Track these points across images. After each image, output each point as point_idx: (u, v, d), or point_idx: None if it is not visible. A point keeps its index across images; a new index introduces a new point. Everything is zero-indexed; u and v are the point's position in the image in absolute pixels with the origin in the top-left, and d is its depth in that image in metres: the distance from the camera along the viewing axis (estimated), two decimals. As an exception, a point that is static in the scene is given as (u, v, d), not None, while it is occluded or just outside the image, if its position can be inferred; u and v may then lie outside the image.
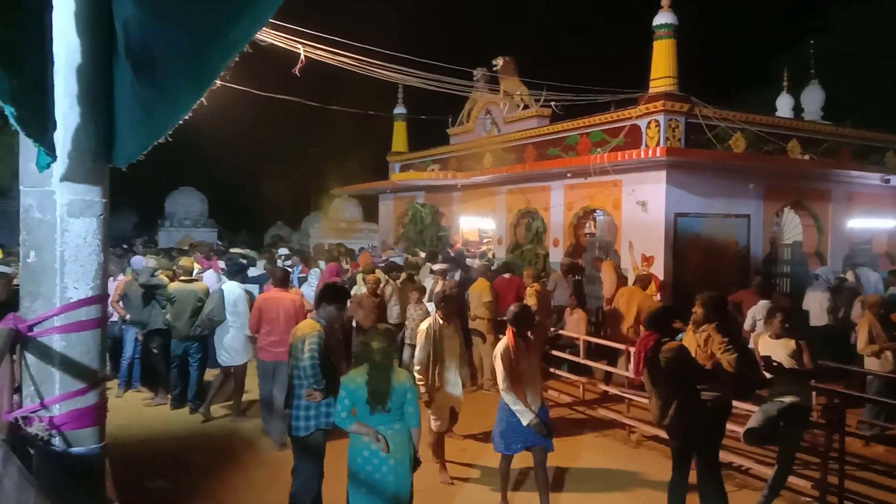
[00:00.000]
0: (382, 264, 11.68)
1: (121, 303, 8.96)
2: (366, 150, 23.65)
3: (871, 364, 7.56)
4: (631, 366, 8.00)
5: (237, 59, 1.59)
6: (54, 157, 1.86)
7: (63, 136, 2.06)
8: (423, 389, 6.10)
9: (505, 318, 5.82)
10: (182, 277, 8.62)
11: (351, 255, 13.71)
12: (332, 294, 5.12)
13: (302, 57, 6.93)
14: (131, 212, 28.58)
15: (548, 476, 5.55)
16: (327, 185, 22.90)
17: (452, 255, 13.41)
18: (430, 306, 9.97)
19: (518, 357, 5.35)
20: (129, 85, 1.86)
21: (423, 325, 6.44)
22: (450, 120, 17.24)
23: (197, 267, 8.99)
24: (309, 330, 4.78)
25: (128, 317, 8.93)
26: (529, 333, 5.50)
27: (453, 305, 6.69)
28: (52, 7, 1.74)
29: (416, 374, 6.13)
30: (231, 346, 8.05)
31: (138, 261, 9.86)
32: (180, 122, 1.81)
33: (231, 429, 7.88)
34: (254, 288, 9.34)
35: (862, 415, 7.55)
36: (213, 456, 6.95)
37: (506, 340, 5.47)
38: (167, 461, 6.77)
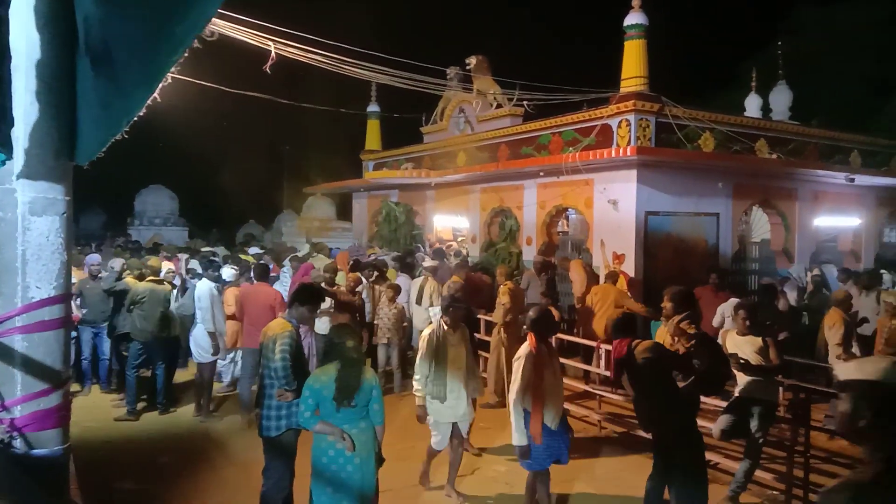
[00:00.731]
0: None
1: (78, 300, 8.84)
2: (339, 148, 23.53)
3: (837, 360, 7.71)
4: (602, 363, 8.12)
5: (189, 54, 1.61)
6: (9, 155, 1.83)
7: (23, 133, 2.03)
8: (418, 402, 5.75)
9: (525, 322, 5.40)
10: (150, 278, 8.53)
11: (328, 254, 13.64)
12: (307, 295, 5.00)
13: (273, 54, 6.88)
14: (100, 210, 28.12)
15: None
16: (300, 183, 22.77)
17: (434, 249, 13.47)
18: (417, 307, 9.99)
19: (541, 365, 4.99)
20: (90, 80, 1.84)
21: (426, 332, 5.89)
22: (423, 118, 17.25)
23: (166, 266, 8.89)
24: (280, 330, 4.73)
25: (81, 314, 8.82)
26: (552, 339, 5.15)
27: (461, 311, 6.03)
28: (7, 2, 1.71)
29: (415, 385, 5.75)
30: (198, 342, 8.11)
31: (93, 258, 9.71)
32: (135, 118, 1.80)
33: (203, 429, 7.80)
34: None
35: (828, 409, 7.70)
36: (183, 457, 6.87)
37: (528, 346, 5.10)
38: (136, 463, 6.68)
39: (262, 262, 10.40)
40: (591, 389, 8.30)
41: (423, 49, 12.95)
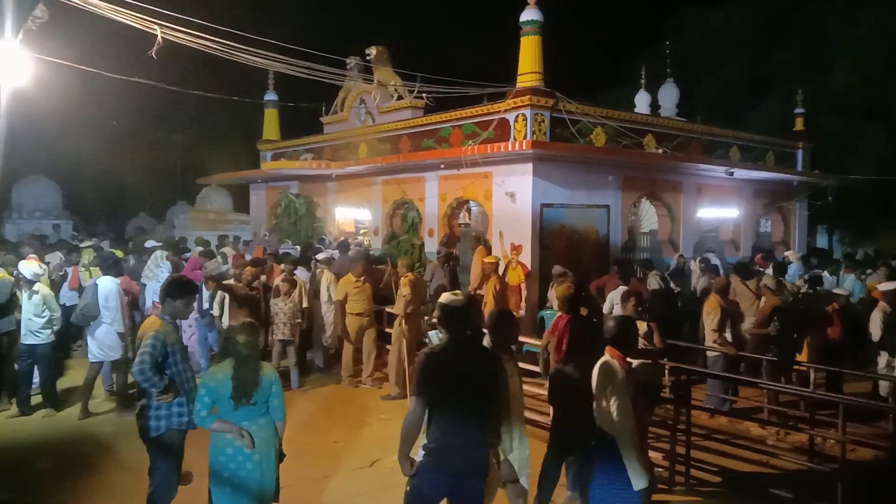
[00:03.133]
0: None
1: None
2: (235, 137, 22.83)
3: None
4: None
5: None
6: None
7: None
8: (504, 466, 4.29)
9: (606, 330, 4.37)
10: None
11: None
12: (178, 289, 4.72)
13: (159, 39, 6.58)
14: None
15: None
16: (194, 174, 21.92)
17: (339, 242, 13.36)
18: (314, 301, 9.86)
19: (632, 389, 4.05)
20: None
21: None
22: (323, 108, 17.00)
23: (32, 263, 8.35)
24: (148, 328, 4.52)
25: None
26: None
27: (512, 329, 4.51)
28: None
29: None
30: (103, 341, 7.82)
31: None
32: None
33: (88, 432, 7.41)
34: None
35: (707, 389, 8.22)
36: (64, 461, 6.52)
37: (615, 363, 4.09)
38: (11, 470, 6.28)
39: (108, 255, 10.08)
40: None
41: (322, 38, 12.78)
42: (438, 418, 3.74)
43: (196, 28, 7.56)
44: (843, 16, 20.87)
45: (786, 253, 13.82)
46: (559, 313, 5.92)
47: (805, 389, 7.22)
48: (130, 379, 8.24)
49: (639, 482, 3.86)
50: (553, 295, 9.42)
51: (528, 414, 7.57)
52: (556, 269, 9.58)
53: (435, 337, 4.49)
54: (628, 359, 4.23)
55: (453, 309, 3.85)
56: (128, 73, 9.46)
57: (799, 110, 17.14)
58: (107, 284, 7.93)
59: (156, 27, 6.55)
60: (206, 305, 9.41)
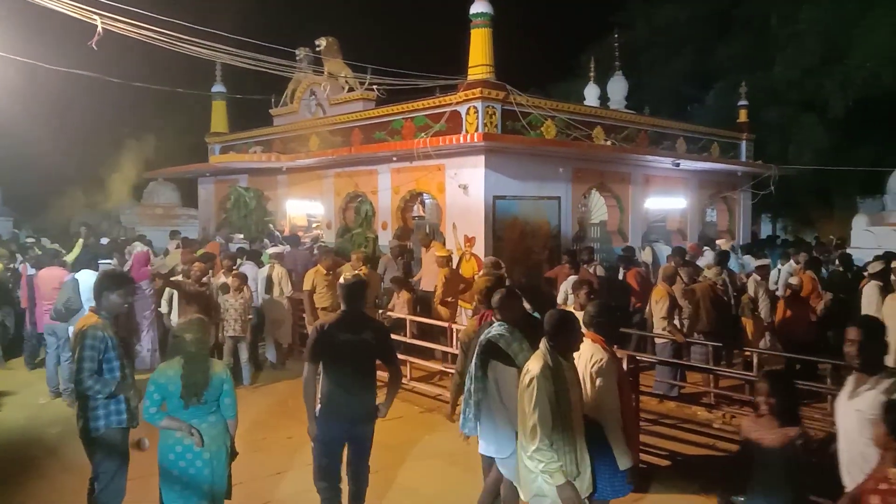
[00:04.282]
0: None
1: None
2: (182, 130, 22.28)
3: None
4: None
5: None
6: None
7: None
8: (557, 481, 3.73)
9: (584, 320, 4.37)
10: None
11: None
12: (112, 282, 4.53)
13: (99, 29, 6.38)
14: None
15: None
16: (141, 167, 21.33)
17: (287, 236, 13.21)
18: (267, 297, 9.72)
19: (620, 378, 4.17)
20: None
21: (535, 370, 3.81)
22: (273, 100, 16.74)
23: None
24: (85, 324, 4.36)
25: None
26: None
27: (574, 333, 4.01)
28: None
29: (541, 463, 3.74)
30: None
31: None
32: None
33: (34, 435, 7.20)
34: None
35: (656, 376, 8.42)
36: (10, 465, 6.33)
37: (602, 351, 4.13)
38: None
39: (49, 247, 9.90)
40: (444, 369, 8.54)
41: (270, 28, 12.59)
42: (328, 378, 4.53)
43: (138, 18, 7.37)
44: (784, 11, 21.53)
45: (717, 241, 14.11)
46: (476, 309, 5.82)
47: (749, 373, 7.45)
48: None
49: (624, 461, 3.99)
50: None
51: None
52: (488, 259, 9.61)
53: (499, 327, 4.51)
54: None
55: (349, 287, 4.61)
56: (65, 64, 9.17)
57: (742, 102, 17.63)
58: (88, 279, 7.69)
59: (95, 17, 6.35)
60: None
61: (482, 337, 4.59)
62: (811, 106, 20.97)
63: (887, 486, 2.79)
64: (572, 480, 3.78)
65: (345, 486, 4.76)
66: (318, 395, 4.56)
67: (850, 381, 3.59)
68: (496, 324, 4.59)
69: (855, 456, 3.37)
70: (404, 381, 9.07)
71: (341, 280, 4.75)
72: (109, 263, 8.84)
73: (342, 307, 4.68)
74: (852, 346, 3.52)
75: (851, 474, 3.37)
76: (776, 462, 3.45)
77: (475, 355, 4.59)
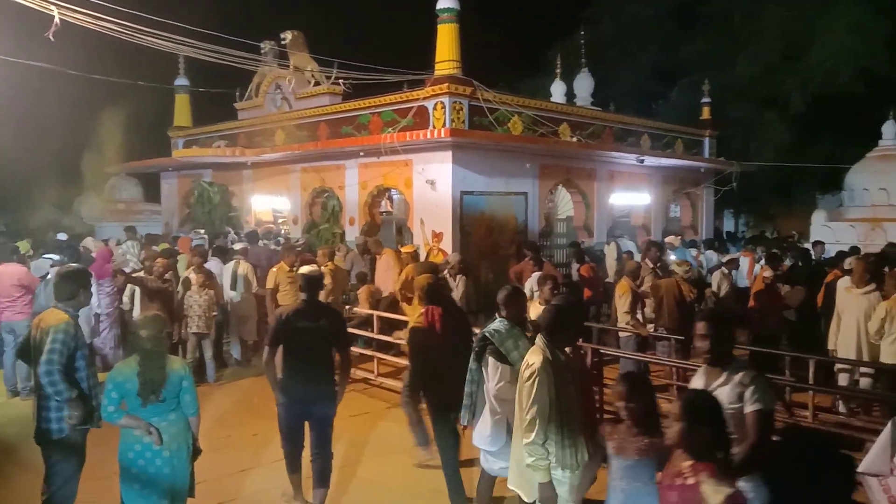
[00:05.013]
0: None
1: None
2: (145, 124, 21.86)
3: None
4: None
5: None
6: None
7: None
8: (541, 478, 3.78)
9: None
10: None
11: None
12: (74, 279, 4.46)
13: (56, 20, 6.23)
14: None
15: None
16: (102, 162, 20.88)
17: (247, 232, 13.05)
18: (232, 293, 9.60)
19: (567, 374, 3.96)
20: None
21: (536, 364, 3.80)
22: (237, 94, 16.54)
23: None
24: (55, 322, 4.25)
25: None
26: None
27: (572, 327, 4.13)
28: None
29: (530, 456, 3.77)
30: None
31: None
32: None
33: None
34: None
35: (620, 369, 8.53)
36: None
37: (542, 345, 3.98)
38: None
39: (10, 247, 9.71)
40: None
41: (235, 21, 12.42)
42: (288, 361, 4.97)
43: (98, 9, 7.20)
44: (746, 9, 21.91)
45: (666, 238, 14.13)
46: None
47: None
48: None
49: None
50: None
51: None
52: (451, 256, 9.64)
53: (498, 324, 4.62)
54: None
55: (309, 277, 5.08)
56: (25, 56, 8.93)
57: (706, 100, 17.92)
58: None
59: (52, 7, 6.20)
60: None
61: (481, 331, 4.74)
62: (773, 103, 21.40)
63: (682, 480, 2.80)
64: (574, 472, 3.82)
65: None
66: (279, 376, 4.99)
67: (702, 375, 3.55)
68: (497, 320, 4.66)
69: None
70: (371, 376, 9.09)
71: (301, 270, 5.19)
72: (53, 259, 8.69)
73: (302, 297, 5.10)
74: (702, 340, 3.45)
75: None
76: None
77: (472, 350, 4.72)
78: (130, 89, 17.19)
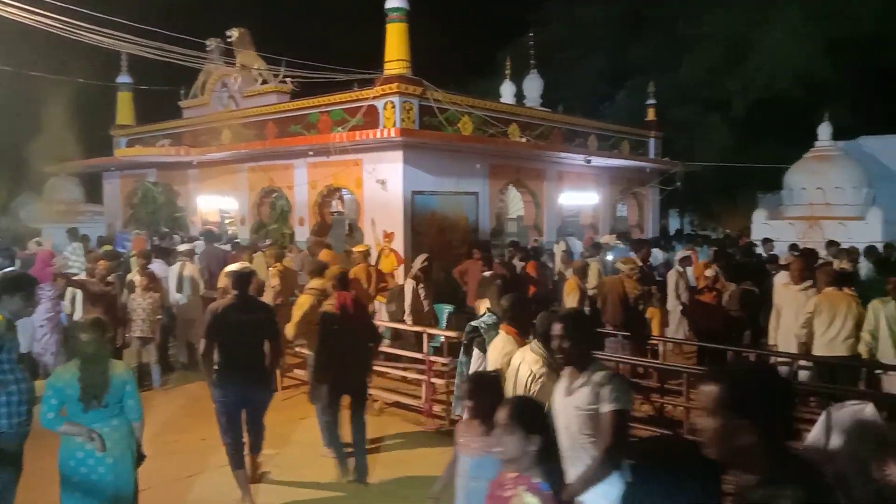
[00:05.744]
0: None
1: None
2: (86, 122, 21.17)
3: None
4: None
5: None
6: None
7: None
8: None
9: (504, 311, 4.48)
10: None
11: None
12: (15, 284, 4.25)
13: (-12, 14, 6.00)
14: None
15: None
16: (41, 162, 20.14)
17: (202, 232, 12.80)
18: (177, 296, 9.38)
19: None
20: None
21: (538, 371, 3.76)
22: (182, 92, 16.16)
23: None
24: None
25: None
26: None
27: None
28: None
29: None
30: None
31: None
32: None
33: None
34: None
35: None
36: None
37: (513, 343, 4.11)
38: None
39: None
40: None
41: (179, 18, 12.15)
42: (223, 352, 5.31)
43: (34, 4, 6.95)
44: (690, 14, 22.47)
45: (602, 238, 14.30)
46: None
47: (655, 362, 7.76)
48: None
49: None
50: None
51: (397, 396, 7.70)
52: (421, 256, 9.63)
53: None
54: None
55: (238, 274, 5.55)
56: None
57: (651, 101, 18.32)
58: None
59: (-17, 0, 5.96)
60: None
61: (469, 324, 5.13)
62: (716, 105, 22.00)
63: (501, 492, 2.73)
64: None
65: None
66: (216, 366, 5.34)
67: (564, 377, 3.46)
68: (487, 314, 5.03)
69: (578, 452, 3.29)
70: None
71: (230, 268, 5.84)
72: None
73: (233, 292, 5.46)
74: (560, 341, 3.36)
75: (575, 468, 3.29)
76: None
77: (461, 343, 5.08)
78: (70, 87, 16.69)
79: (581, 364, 3.35)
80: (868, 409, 3.92)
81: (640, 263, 9.15)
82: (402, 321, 8.72)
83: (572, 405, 3.30)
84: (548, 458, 2.77)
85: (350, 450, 5.85)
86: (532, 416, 2.81)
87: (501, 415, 2.79)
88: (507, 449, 2.71)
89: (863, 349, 6.50)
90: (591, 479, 3.16)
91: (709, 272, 9.19)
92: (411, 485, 5.63)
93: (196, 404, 8.00)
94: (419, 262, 9.07)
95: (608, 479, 3.17)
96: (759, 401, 1.86)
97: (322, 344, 5.73)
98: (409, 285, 8.90)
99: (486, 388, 3.45)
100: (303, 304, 6.68)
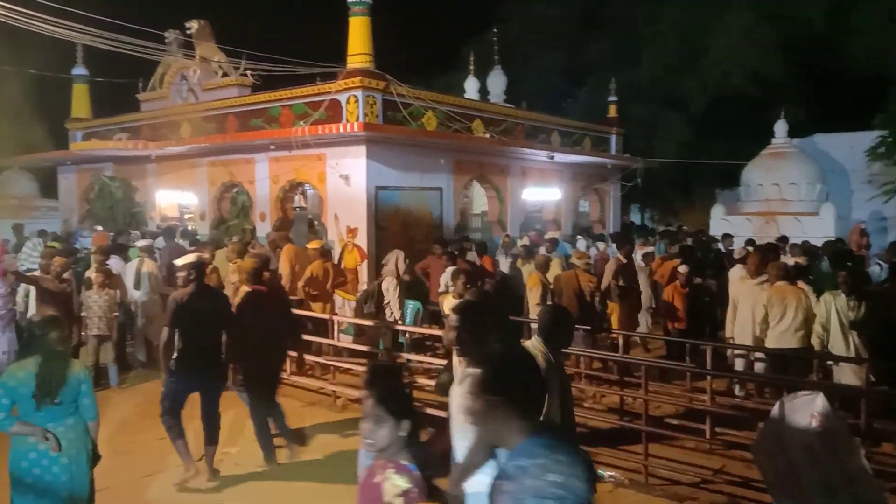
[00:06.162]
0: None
1: None
2: (40, 115, 20.61)
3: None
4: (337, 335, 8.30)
5: None
6: None
7: None
8: None
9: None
10: None
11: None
12: None
13: (-66, 1, 5.79)
14: None
15: None
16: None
17: (164, 228, 12.57)
18: (136, 293, 9.19)
19: None
20: None
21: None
22: (140, 84, 15.82)
23: None
24: None
25: None
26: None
27: (569, 329, 4.11)
28: None
29: None
30: None
31: None
32: None
33: None
34: None
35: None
36: None
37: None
38: None
39: None
40: (325, 361, 8.44)
41: (137, 9, 11.89)
42: (182, 339, 5.53)
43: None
44: (648, 11, 22.79)
45: (547, 234, 14.31)
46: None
47: (614, 354, 7.88)
48: None
49: None
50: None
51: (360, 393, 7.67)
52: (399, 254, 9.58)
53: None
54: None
55: (194, 264, 5.68)
56: None
57: (612, 98, 18.52)
58: None
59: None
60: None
61: None
62: (674, 102, 22.36)
63: (370, 478, 2.67)
64: None
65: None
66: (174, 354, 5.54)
67: (458, 366, 3.49)
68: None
69: (468, 438, 3.24)
70: (284, 375, 8.89)
71: (184, 258, 5.82)
72: None
73: (192, 283, 5.57)
74: (453, 332, 3.44)
75: (463, 454, 3.26)
76: None
77: None
78: (23, 78, 16.19)
79: (474, 353, 3.25)
80: (818, 400, 4.05)
81: (624, 260, 9.17)
82: (396, 322, 8.34)
83: (461, 393, 3.21)
84: (415, 439, 2.70)
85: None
86: (399, 402, 2.73)
87: (367, 405, 2.68)
88: (378, 439, 2.63)
89: (815, 341, 6.69)
90: (468, 467, 3.12)
91: (682, 269, 9.26)
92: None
93: (154, 404, 7.79)
94: (400, 260, 8.87)
95: (485, 467, 3.05)
96: (507, 382, 2.16)
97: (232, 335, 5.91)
98: (391, 284, 8.63)
99: (382, 377, 3.31)
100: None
